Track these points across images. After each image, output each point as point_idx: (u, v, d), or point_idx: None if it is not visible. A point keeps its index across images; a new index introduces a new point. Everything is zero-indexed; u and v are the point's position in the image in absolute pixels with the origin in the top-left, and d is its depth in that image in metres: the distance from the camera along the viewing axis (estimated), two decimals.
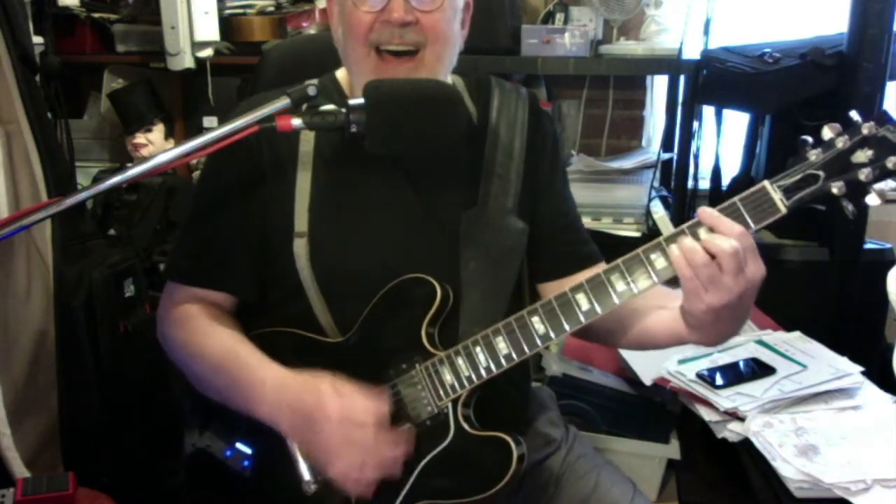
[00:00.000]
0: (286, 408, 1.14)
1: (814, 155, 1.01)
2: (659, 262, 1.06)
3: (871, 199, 1.00)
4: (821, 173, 1.00)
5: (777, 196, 1.01)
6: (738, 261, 1.00)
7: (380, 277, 1.22)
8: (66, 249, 2.00)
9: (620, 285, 1.09)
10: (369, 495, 1.13)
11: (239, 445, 1.28)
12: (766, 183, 1.02)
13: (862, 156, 0.99)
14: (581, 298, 1.11)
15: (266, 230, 1.27)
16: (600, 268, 1.33)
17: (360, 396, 1.12)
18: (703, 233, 1.03)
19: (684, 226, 1.05)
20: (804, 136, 1.02)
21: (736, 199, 1.03)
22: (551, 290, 1.36)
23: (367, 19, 1.20)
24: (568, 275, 1.35)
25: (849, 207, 1.01)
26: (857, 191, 1.00)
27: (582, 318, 1.11)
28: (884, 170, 0.98)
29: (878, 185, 0.99)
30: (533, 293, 1.40)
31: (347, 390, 1.12)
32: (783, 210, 1.02)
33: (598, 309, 1.10)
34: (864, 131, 0.99)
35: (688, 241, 1.03)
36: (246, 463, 1.27)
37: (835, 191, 1.00)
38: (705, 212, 1.04)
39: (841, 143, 1.00)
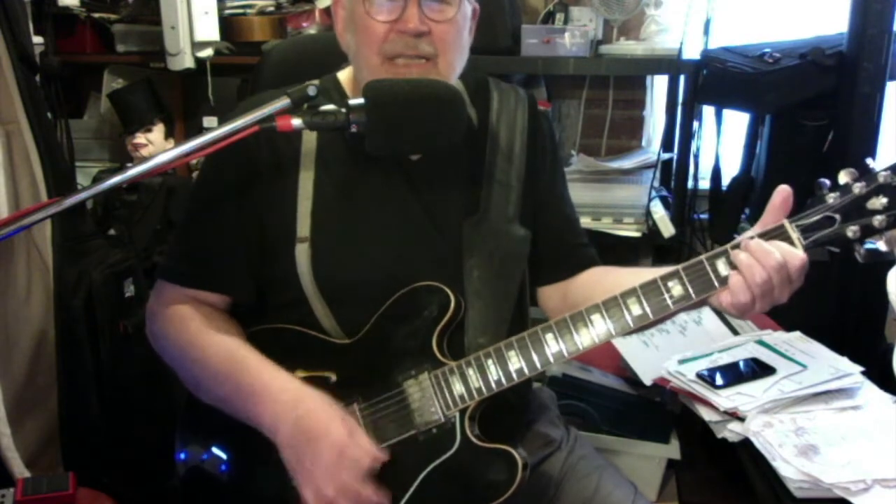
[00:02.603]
0: (293, 419, 1.14)
1: (831, 198, 1.04)
2: (676, 289, 1.08)
3: (882, 245, 1.03)
4: (837, 216, 1.03)
5: (795, 235, 1.05)
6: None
7: (381, 285, 1.22)
8: (66, 249, 2.01)
9: (636, 309, 1.10)
10: None
11: (215, 450, 1.28)
12: (785, 221, 1.06)
13: (877, 202, 1.02)
14: (596, 318, 1.11)
15: (266, 232, 1.26)
16: (599, 270, 1.35)
17: (365, 439, 1.14)
18: (720, 264, 1.06)
19: (702, 256, 1.07)
20: (822, 179, 1.05)
21: (755, 234, 1.06)
22: (551, 292, 1.38)
23: (381, 29, 1.19)
24: (568, 278, 1.35)
25: (861, 251, 1.04)
26: (870, 236, 1.03)
27: (596, 339, 1.12)
28: None
29: (890, 233, 1.02)
30: (533, 297, 1.39)
31: (356, 428, 1.14)
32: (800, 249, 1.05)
33: (612, 330, 1.11)
34: (880, 179, 1.01)
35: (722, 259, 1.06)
36: (223, 467, 1.27)
37: (850, 234, 1.03)
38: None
39: (857, 188, 1.02)
